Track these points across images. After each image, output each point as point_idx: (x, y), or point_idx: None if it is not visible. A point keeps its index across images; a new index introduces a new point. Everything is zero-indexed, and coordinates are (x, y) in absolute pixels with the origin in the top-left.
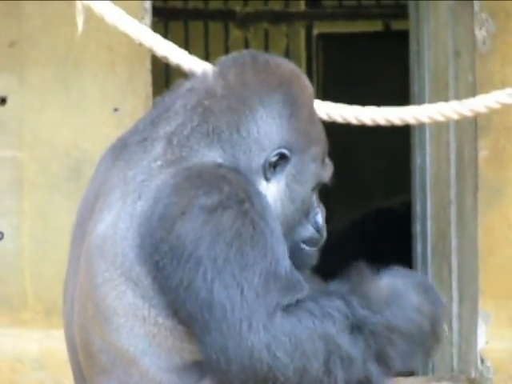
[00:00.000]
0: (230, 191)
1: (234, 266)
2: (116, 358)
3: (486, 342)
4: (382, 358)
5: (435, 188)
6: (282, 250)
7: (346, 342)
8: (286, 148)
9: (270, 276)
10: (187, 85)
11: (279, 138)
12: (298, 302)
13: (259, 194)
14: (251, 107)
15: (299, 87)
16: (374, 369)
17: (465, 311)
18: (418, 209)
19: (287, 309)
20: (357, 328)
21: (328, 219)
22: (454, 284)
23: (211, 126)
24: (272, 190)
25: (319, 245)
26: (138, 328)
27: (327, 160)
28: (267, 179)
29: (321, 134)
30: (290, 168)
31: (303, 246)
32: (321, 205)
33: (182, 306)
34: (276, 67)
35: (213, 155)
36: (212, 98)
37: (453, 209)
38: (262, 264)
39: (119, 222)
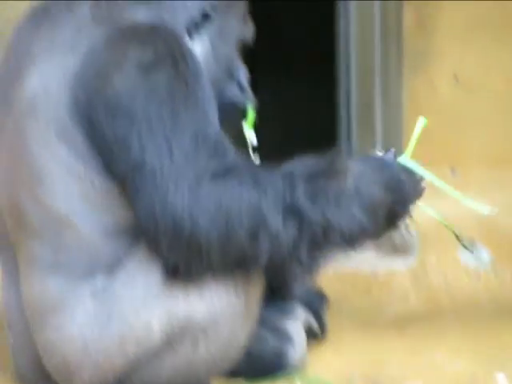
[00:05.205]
0: (165, 49)
1: (167, 125)
2: (48, 220)
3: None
4: (314, 249)
5: (360, 55)
6: (212, 111)
7: (275, 221)
8: (208, 6)
9: (200, 138)
10: None
11: None
12: (229, 168)
13: (191, 53)
14: None
15: None
16: (303, 256)
17: None
18: (342, 76)
19: (216, 174)
20: (292, 213)
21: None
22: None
23: None
24: (196, 49)
25: (245, 103)
26: (72, 187)
27: (248, 20)
28: (192, 38)
29: None
30: (213, 27)
31: (230, 107)
32: (243, 65)
33: (116, 165)
34: None
35: (142, 16)
36: None
37: (377, 76)
38: (193, 125)
39: (50, 82)
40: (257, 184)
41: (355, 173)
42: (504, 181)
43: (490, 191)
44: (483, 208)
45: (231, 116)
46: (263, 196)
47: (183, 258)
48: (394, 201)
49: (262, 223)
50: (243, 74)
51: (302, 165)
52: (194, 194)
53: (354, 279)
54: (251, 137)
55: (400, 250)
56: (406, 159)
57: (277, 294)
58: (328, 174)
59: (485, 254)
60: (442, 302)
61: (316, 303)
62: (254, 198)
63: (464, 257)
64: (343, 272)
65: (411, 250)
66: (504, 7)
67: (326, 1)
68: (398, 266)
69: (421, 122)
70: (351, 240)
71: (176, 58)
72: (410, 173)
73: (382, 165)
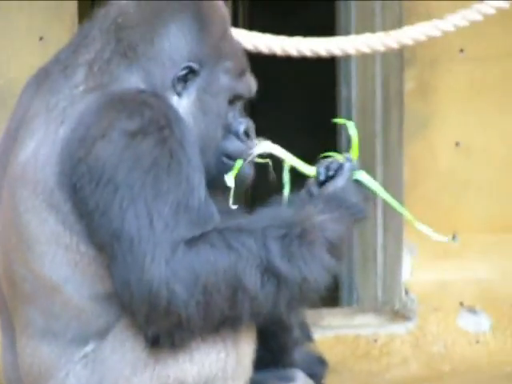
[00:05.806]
0: (151, 117)
1: (148, 193)
2: (39, 287)
3: (411, 274)
4: (292, 304)
5: (361, 120)
6: (197, 179)
7: (253, 283)
8: (194, 62)
9: (181, 206)
10: (103, 11)
11: (188, 53)
12: (202, 234)
13: (179, 119)
14: (163, 20)
15: (210, 5)
16: (283, 310)
17: (390, 243)
18: (343, 141)
19: (190, 242)
20: (269, 274)
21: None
22: (379, 216)
23: (126, 41)
24: (184, 105)
25: (244, 154)
26: (61, 256)
27: (248, 75)
28: (178, 94)
29: (235, 49)
30: (200, 81)
31: (225, 159)
32: (246, 118)
33: (95, 233)
34: None
35: (134, 80)
36: (125, 15)
37: (378, 141)
38: (175, 193)
39: (41, 149)
40: (229, 247)
41: (323, 224)
42: (504, 246)
43: (491, 256)
44: (438, 236)
45: (229, 169)
46: (238, 259)
47: (162, 329)
48: (355, 226)
49: (239, 286)
50: (243, 127)
51: (271, 222)
52: (169, 263)
53: (354, 343)
54: (230, 181)
55: (400, 314)
56: (363, 174)
57: (277, 359)
58: (298, 232)
59: (484, 319)
60: (441, 367)
61: (316, 368)
62: (229, 262)
63: (464, 322)
64: (343, 336)
65: (411, 315)
66: (505, 72)
67: (327, 65)
68: (398, 330)
69: (351, 126)
70: (324, 285)
71: (161, 126)
72: (363, 192)
73: (346, 204)
